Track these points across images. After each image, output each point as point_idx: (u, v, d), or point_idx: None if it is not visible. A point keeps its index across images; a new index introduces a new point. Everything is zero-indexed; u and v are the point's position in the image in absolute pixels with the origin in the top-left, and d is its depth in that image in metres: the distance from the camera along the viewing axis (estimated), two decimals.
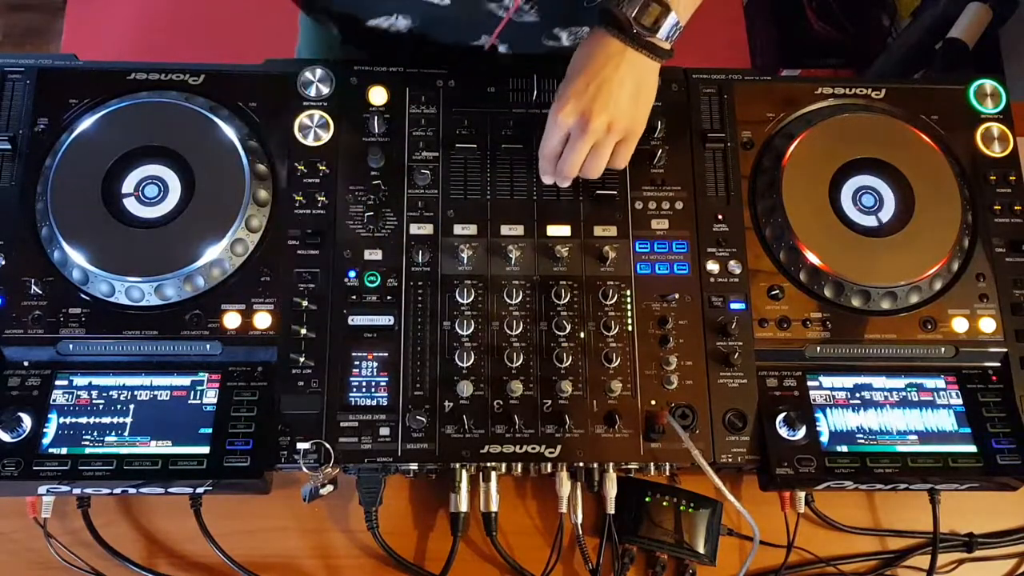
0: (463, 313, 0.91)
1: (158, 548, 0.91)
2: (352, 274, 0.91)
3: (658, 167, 0.97)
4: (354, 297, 0.90)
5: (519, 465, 0.90)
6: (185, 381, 0.88)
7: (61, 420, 0.86)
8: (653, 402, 0.90)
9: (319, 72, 0.97)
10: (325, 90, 0.97)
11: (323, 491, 0.86)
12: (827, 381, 0.93)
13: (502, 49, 1.02)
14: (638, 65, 0.85)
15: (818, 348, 0.93)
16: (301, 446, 0.86)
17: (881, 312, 0.94)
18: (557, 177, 0.92)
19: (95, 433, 0.85)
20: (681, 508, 0.92)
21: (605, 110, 0.84)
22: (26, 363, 0.88)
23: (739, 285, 0.94)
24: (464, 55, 1.02)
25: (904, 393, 0.93)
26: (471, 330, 0.90)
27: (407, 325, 0.91)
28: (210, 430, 0.86)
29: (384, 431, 0.87)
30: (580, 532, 0.90)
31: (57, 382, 0.87)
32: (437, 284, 0.92)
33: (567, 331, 0.91)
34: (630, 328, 0.92)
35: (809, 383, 0.92)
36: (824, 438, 0.90)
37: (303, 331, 0.89)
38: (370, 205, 0.94)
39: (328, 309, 0.90)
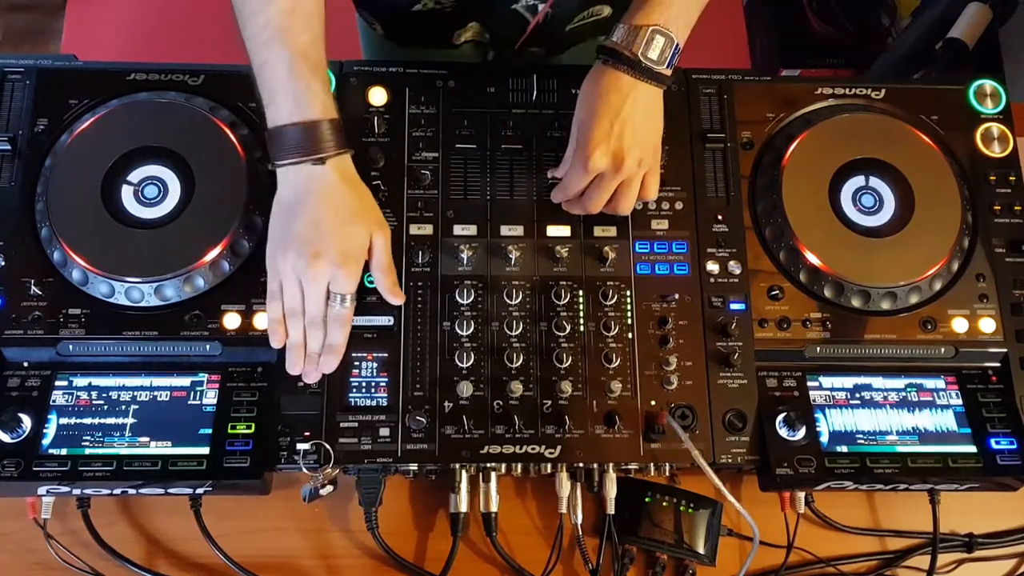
0: (463, 313, 0.91)
1: (158, 548, 0.91)
2: None
3: None
4: None
5: (519, 465, 0.90)
6: (185, 382, 0.88)
7: (61, 421, 0.86)
8: (653, 402, 0.90)
9: None
10: None
11: (323, 491, 0.86)
12: (827, 381, 0.92)
13: (540, 7, 1.00)
14: (650, 96, 0.86)
15: (818, 348, 0.93)
16: (301, 446, 0.86)
17: (881, 312, 0.94)
18: (576, 208, 0.92)
19: (95, 434, 0.85)
20: (681, 508, 0.92)
21: (635, 147, 0.85)
22: (26, 364, 0.88)
23: (739, 285, 0.94)
24: (508, 23, 1.01)
25: (904, 393, 0.93)
26: (471, 330, 0.90)
27: (407, 325, 0.91)
28: (210, 431, 0.86)
29: (384, 431, 0.87)
30: (580, 532, 0.90)
31: (57, 383, 0.87)
32: (437, 284, 0.92)
33: (567, 331, 0.91)
34: (630, 328, 0.92)
35: (809, 383, 0.92)
36: (824, 438, 0.90)
37: None
38: None
39: None
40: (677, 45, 0.85)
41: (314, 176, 0.83)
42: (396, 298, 0.90)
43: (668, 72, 0.85)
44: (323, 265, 0.83)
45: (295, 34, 0.81)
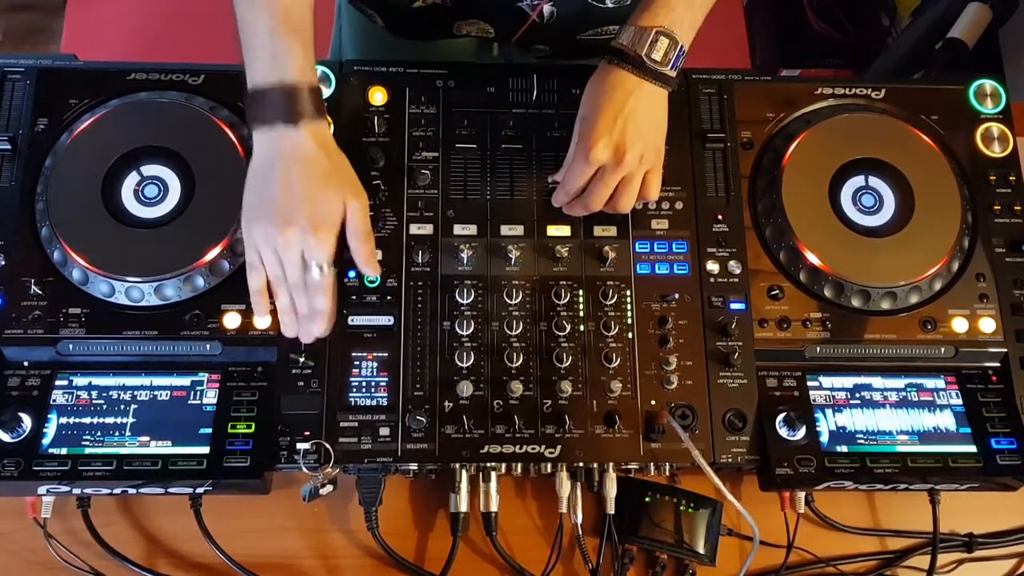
0: (463, 313, 0.91)
1: (158, 548, 0.91)
2: (352, 274, 0.91)
3: None
4: (354, 297, 0.90)
5: (519, 465, 0.90)
6: (185, 381, 0.88)
7: (61, 420, 0.86)
8: (653, 402, 0.90)
9: (319, 72, 0.97)
10: (325, 90, 0.97)
11: (323, 491, 0.86)
12: (827, 381, 0.93)
13: (547, 10, 1.01)
14: (654, 96, 0.86)
15: (818, 348, 0.93)
16: (301, 446, 0.86)
17: (881, 312, 0.94)
18: (578, 207, 0.91)
19: (95, 433, 0.85)
20: (681, 508, 0.92)
21: (637, 142, 0.85)
22: (26, 363, 0.88)
23: (739, 285, 0.94)
24: (510, 18, 1.01)
25: (904, 393, 0.93)
26: (471, 330, 0.90)
27: (407, 325, 0.91)
28: (210, 430, 0.86)
29: (384, 431, 0.87)
30: (580, 532, 0.90)
31: (57, 382, 0.87)
32: (437, 284, 0.92)
33: (567, 331, 0.91)
34: (630, 328, 0.92)
35: (809, 383, 0.92)
36: (824, 438, 0.90)
37: None
38: (370, 205, 0.93)
39: None
40: (681, 47, 0.85)
41: (288, 140, 0.81)
42: (372, 270, 0.88)
43: (673, 73, 0.86)
44: (294, 232, 0.81)
45: None
